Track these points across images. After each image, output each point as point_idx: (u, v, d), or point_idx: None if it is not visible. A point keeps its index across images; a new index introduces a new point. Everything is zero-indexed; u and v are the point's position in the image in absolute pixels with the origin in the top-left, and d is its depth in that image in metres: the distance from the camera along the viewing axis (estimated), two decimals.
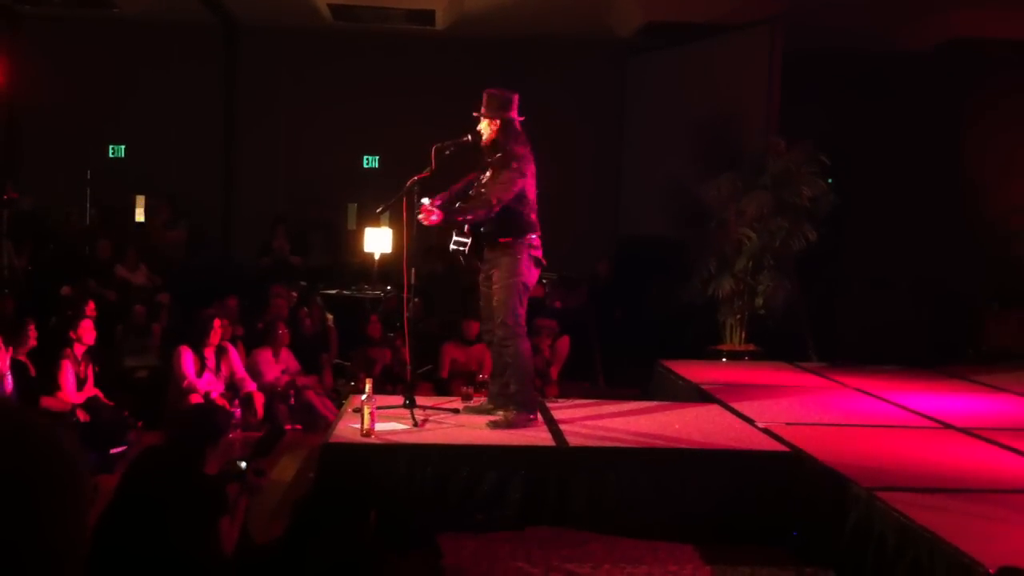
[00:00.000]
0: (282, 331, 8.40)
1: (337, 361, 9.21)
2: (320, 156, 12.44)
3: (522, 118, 5.80)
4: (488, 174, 5.73)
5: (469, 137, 5.79)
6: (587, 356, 9.81)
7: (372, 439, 5.30)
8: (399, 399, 6.08)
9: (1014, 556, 3.53)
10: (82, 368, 7.10)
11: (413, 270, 6.41)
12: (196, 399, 7.25)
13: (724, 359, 9.48)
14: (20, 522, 0.98)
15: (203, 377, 7.52)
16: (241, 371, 7.81)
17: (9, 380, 6.44)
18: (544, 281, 10.09)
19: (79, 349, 7.10)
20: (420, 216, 5.61)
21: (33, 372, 6.80)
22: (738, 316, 9.72)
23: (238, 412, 7.47)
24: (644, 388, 8.57)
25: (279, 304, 8.90)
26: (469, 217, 5.67)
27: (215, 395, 7.46)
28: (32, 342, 6.88)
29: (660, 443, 5.56)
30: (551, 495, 5.15)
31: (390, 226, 10.02)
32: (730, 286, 9.61)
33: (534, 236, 5.79)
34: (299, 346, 8.63)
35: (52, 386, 6.86)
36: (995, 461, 5.34)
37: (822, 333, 9.48)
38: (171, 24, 11.94)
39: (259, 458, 4.20)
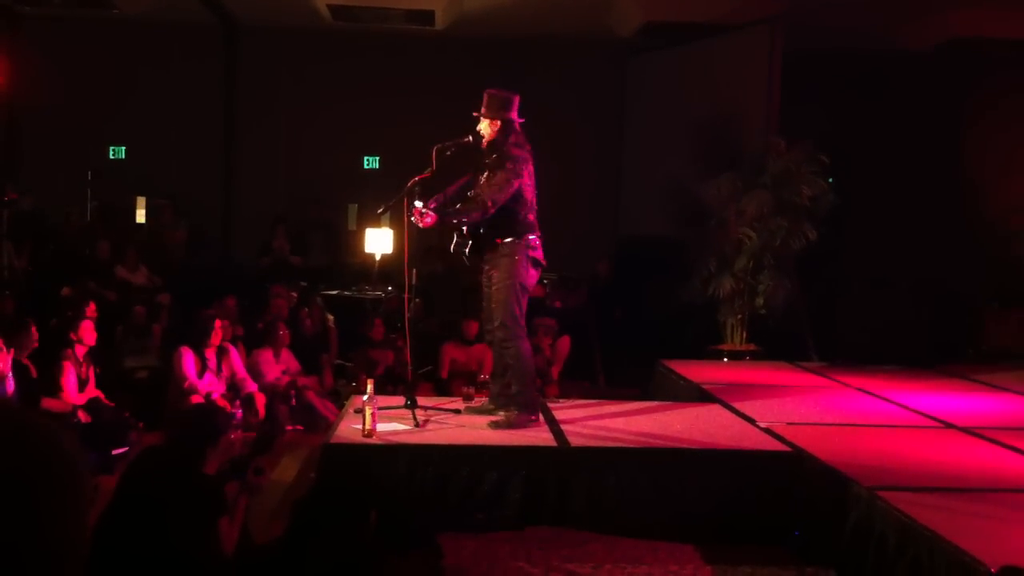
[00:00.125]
0: (282, 331, 8.39)
1: (337, 361, 9.21)
2: (320, 156, 12.44)
3: (522, 119, 5.80)
4: (485, 175, 5.73)
5: (470, 137, 5.78)
6: (587, 356, 9.81)
7: (373, 439, 5.30)
8: (400, 399, 6.08)
9: (1015, 555, 3.53)
10: (83, 369, 7.09)
11: (414, 270, 6.41)
12: (197, 400, 7.25)
13: (725, 359, 9.48)
14: (20, 522, 0.98)
15: (204, 378, 7.51)
16: (242, 371, 7.81)
17: (10, 381, 6.43)
18: (544, 281, 10.09)
19: (80, 350, 7.09)
20: (412, 218, 5.61)
21: (34, 373, 6.79)
22: (738, 316, 9.72)
23: (239, 413, 7.46)
24: (644, 388, 8.57)
25: (279, 304, 8.90)
26: (464, 219, 5.65)
27: (216, 396, 7.45)
28: (34, 343, 6.87)
29: (661, 443, 5.56)
30: (551, 495, 5.15)
31: (391, 227, 10.02)
32: (730, 286, 9.61)
33: (532, 237, 5.77)
34: (299, 346, 8.63)
35: (53, 387, 6.85)
36: (996, 460, 5.34)
37: (822, 333, 9.48)
38: (171, 24, 11.94)
39: (258, 456, 4.20)
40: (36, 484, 1.01)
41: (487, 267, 5.85)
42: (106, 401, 7.13)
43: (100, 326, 7.54)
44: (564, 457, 5.29)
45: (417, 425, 5.66)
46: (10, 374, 6.43)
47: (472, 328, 8.71)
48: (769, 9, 10.28)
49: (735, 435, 5.73)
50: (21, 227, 10.19)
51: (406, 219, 5.78)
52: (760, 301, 9.58)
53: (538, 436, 5.56)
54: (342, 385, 8.55)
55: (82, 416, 6.80)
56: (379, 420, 5.44)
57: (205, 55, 12.32)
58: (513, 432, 5.59)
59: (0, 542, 0.97)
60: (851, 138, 11.02)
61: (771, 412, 6.37)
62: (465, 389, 6.53)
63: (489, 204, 5.56)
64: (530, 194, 5.77)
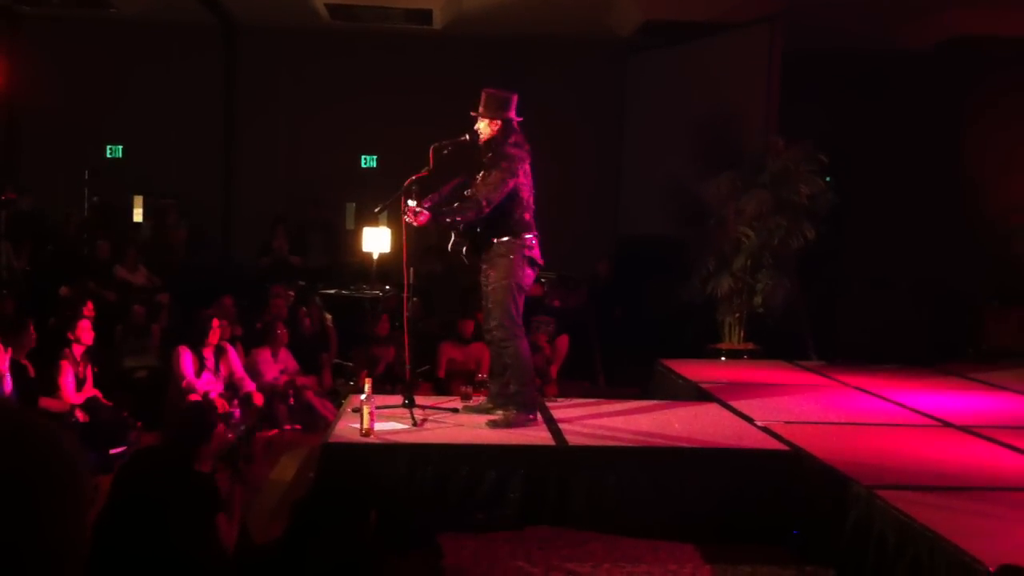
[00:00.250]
0: (281, 331, 8.39)
1: (336, 361, 9.21)
2: (319, 156, 12.43)
3: (520, 119, 5.79)
4: (481, 175, 5.72)
5: (467, 136, 5.77)
6: (587, 355, 9.81)
7: (372, 439, 5.30)
8: (398, 399, 6.08)
9: (1014, 554, 3.53)
10: (81, 369, 7.09)
11: (412, 269, 6.41)
12: (195, 399, 7.25)
13: (723, 358, 9.48)
14: (20, 522, 0.98)
15: (202, 377, 7.52)
16: (240, 371, 7.80)
17: (8, 381, 6.43)
18: (543, 280, 10.09)
19: (78, 350, 7.08)
20: (406, 218, 5.59)
21: (32, 373, 6.79)
22: (737, 315, 9.72)
23: (237, 412, 7.46)
24: (644, 387, 8.56)
25: (278, 304, 8.90)
26: (458, 218, 5.63)
27: (214, 395, 7.45)
28: (32, 343, 6.87)
29: (660, 442, 5.56)
30: (551, 494, 5.15)
31: (388, 226, 10.01)
32: (729, 285, 9.60)
33: (529, 236, 5.76)
34: (298, 346, 8.63)
35: (51, 387, 6.84)
36: (995, 459, 5.34)
37: (822, 332, 9.47)
38: (169, 24, 11.93)
39: (244, 446, 4.22)
40: (36, 484, 1.00)
41: (484, 266, 5.85)
42: (104, 400, 7.13)
43: (99, 326, 7.54)
44: (564, 456, 5.29)
45: (415, 424, 5.66)
46: (8, 373, 6.43)
47: (468, 327, 8.70)
48: (769, 8, 10.28)
49: (734, 434, 5.73)
50: (20, 227, 10.19)
51: (403, 218, 5.78)
52: (759, 300, 9.58)
53: (537, 435, 5.56)
54: (341, 384, 8.54)
55: (80, 415, 6.80)
56: (377, 419, 5.44)
57: (204, 55, 12.32)
58: (512, 431, 5.59)
59: (0, 542, 0.97)
60: (851, 138, 11.02)
61: (770, 411, 6.36)
62: (463, 388, 6.52)
63: (484, 203, 5.55)
64: (526, 193, 5.76)
